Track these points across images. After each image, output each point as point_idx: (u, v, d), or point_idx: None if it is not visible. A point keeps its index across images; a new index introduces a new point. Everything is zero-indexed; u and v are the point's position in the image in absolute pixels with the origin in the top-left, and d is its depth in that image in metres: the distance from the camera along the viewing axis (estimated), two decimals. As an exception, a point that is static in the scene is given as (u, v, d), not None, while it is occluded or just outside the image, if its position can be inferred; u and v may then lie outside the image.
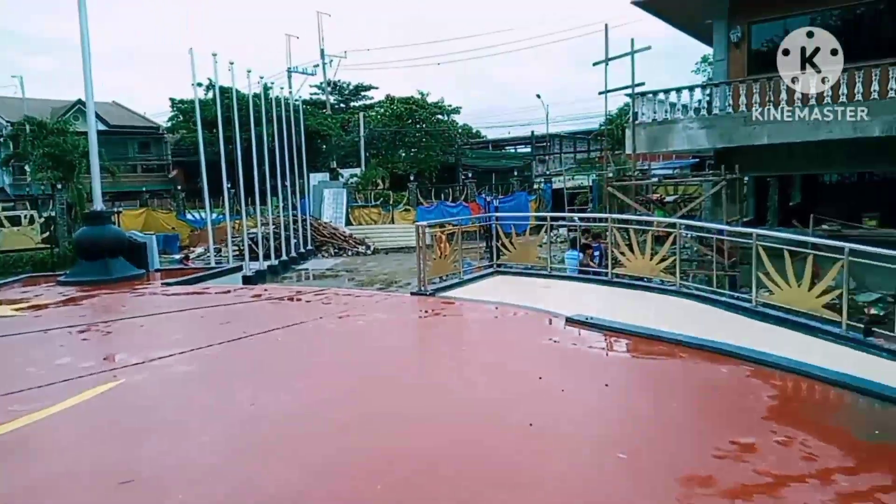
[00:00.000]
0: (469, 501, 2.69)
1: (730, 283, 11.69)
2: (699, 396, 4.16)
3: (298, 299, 8.59)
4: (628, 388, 4.41)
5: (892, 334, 5.88)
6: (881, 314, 10.93)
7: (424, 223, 9.59)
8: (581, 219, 13.72)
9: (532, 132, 45.36)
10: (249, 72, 17.02)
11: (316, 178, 33.04)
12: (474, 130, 51.00)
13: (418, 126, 40.21)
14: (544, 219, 11.65)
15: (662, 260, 8.22)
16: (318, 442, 3.41)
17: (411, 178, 35.46)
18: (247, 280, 13.39)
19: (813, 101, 12.47)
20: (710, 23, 15.21)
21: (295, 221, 25.05)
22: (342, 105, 50.18)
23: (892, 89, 11.82)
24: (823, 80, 12.36)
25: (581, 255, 12.35)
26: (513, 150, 50.67)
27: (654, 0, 15.13)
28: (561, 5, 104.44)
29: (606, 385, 4.32)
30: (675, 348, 5.12)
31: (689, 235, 12.59)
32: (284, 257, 23.65)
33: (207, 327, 6.65)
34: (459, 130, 44.38)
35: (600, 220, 11.09)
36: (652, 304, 7.68)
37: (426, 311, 7.35)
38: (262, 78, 26.29)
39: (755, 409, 3.80)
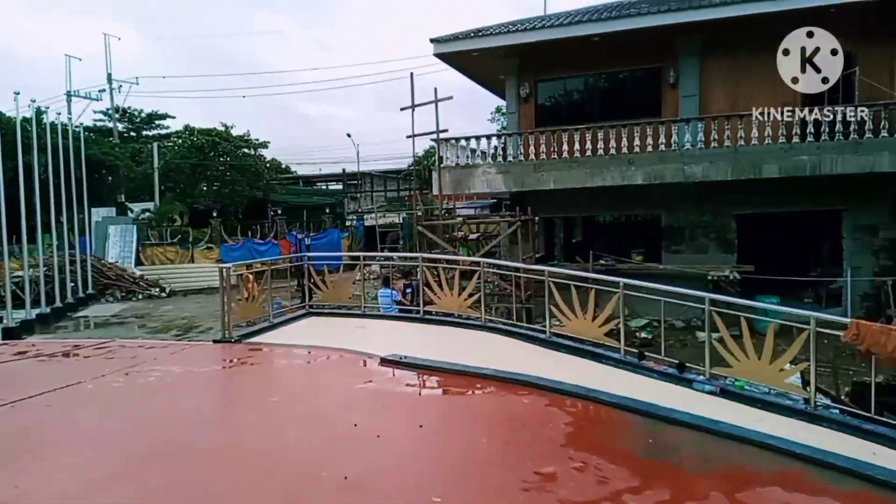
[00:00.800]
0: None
1: (527, 314, 12.71)
2: (505, 429, 4.37)
3: (75, 355, 7.48)
4: (441, 426, 4.48)
5: (659, 357, 6.78)
6: (649, 337, 12.62)
7: (229, 263, 9.01)
8: (392, 257, 13.99)
9: (343, 170, 45.52)
10: (17, 94, 14.79)
11: (100, 213, 29.56)
12: (284, 166, 49.72)
13: (222, 159, 38.09)
14: (357, 257, 11.65)
15: (469, 296, 8.63)
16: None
17: (214, 213, 33.33)
18: (8, 333, 11.39)
19: (589, 153, 14.24)
20: (503, 79, 16.72)
21: (73, 262, 22.10)
22: (132, 134, 45.84)
23: (649, 144, 13.95)
24: (596, 135, 14.21)
25: (395, 292, 12.52)
26: (324, 187, 50.28)
27: (453, 55, 16.24)
28: (370, 49, 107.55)
29: (421, 426, 4.35)
30: (482, 382, 5.36)
31: (491, 272, 13.46)
32: (58, 304, 20.67)
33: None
34: (268, 165, 42.95)
35: (411, 258, 11.38)
36: (461, 339, 7.99)
37: (231, 361, 6.84)
38: (33, 101, 23.13)
39: (554, 437, 4.09)
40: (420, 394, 5.45)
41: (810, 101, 13.88)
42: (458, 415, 4.79)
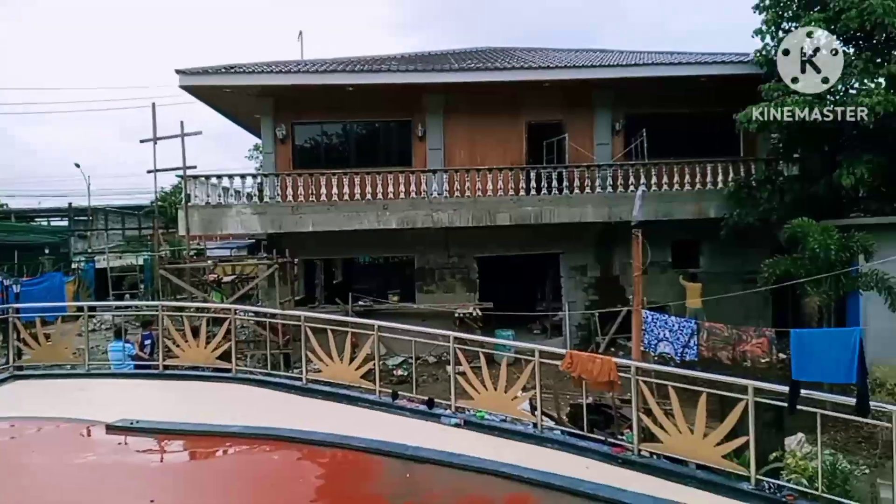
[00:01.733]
0: None
1: (285, 360, 12.32)
2: (252, 491, 4.13)
3: None
4: (176, 497, 4.06)
5: (411, 395, 7.07)
6: (406, 374, 13.12)
7: None
8: (132, 306, 12.44)
9: (70, 204, 39.52)
10: None
11: None
12: (-12, 198, 41.44)
13: None
14: (82, 307, 10.13)
15: (218, 346, 8.06)
16: None
17: None
18: None
19: (346, 197, 14.55)
20: (259, 118, 16.34)
21: None
22: None
23: (402, 191, 14.77)
24: (353, 180, 14.60)
25: (131, 345, 11.11)
26: (45, 223, 42.97)
27: (202, 89, 15.43)
28: (106, 72, 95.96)
29: (152, 502, 3.88)
30: (229, 441, 5.01)
31: (246, 317, 12.82)
32: None
33: None
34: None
35: (150, 306, 10.27)
36: (209, 395, 7.38)
37: None
38: None
39: (304, 493, 3.99)
40: (154, 463, 4.88)
41: (533, 160, 16.17)
42: (198, 482, 4.39)
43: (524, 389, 6.51)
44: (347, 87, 15.21)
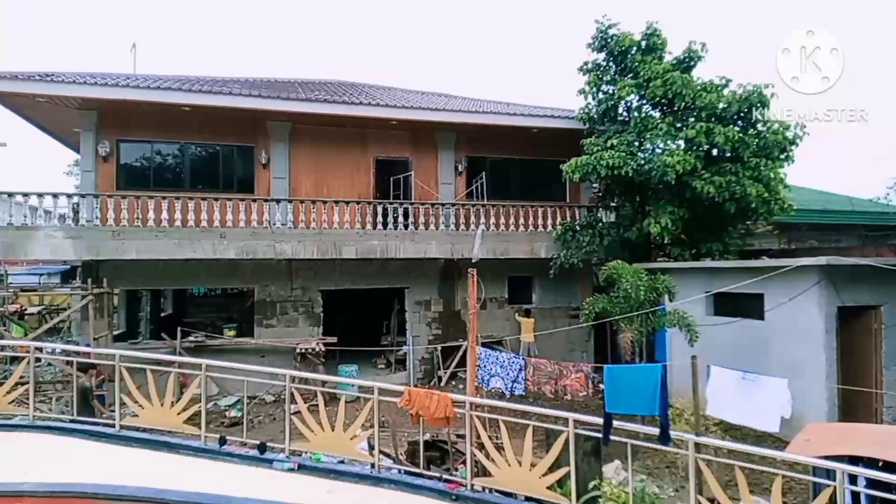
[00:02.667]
0: None
1: (101, 402, 11.01)
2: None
3: None
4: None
5: (242, 439, 6.67)
6: (239, 415, 12.33)
7: None
8: None
9: None
10: None
11: None
12: None
13: None
14: None
15: (15, 388, 7.03)
16: None
17: None
18: None
19: (178, 223, 13.55)
20: (79, 132, 14.80)
21: None
22: None
23: (242, 220, 14.10)
24: (186, 205, 13.66)
25: None
26: None
27: (13, 96, 13.67)
28: None
29: None
30: (17, 502, 4.35)
31: (55, 354, 11.33)
32: None
33: None
34: None
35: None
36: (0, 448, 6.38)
37: None
38: None
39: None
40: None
41: (380, 194, 16.35)
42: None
43: (363, 428, 6.44)
44: (183, 106, 14.34)
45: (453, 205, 15.90)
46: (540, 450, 5.89)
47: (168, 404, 6.67)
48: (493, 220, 15.62)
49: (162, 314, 19.83)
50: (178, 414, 6.59)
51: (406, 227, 15.14)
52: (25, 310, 17.04)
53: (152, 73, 17.30)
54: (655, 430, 5.37)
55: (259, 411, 12.55)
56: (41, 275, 27.40)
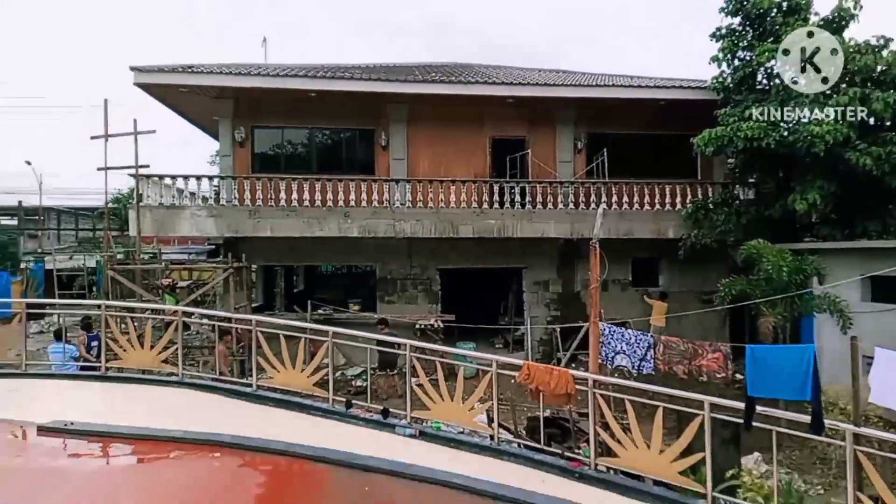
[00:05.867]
0: None
1: (240, 366, 11.91)
2: (187, 498, 3.87)
3: None
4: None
5: (365, 404, 6.88)
6: (364, 384, 12.81)
7: None
8: (73, 305, 11.90)
9: (20, 202, 37.92)
10: None
11: None
12: (-72, 193, 39.45)
13: None
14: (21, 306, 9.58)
15: (165, 349, 7.72)
16: None
17: None
18: None
19: (307, 203, 14.27)
20: (217, 120, 15.96)
21: None
22: None
23: (364, 200, 14.58)
24: (314, 186, 14.34)
25: (75, 347, 10.60)
26: (-9, 222, 41.14)
27: (158, 87, 14.98)
28: (65, 77, 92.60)
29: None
30: (168, 446, 4.72)
31: (201, 322, 12.39)
32: None
33: None
34: None
35: (92, 305, 9.78)
36: (153, 399, 7.05)
37: None
38: None
39: (242, 502, 3.75)
40: (87, 467, 4.57)
41: (497, 173, 16.20)
42: (132, 489, 4.09)
43: (481, 401, 6.39)
44: (310, 92, 14.99)
45: (572, 183, 15.41)
46: (669, 437, 5.50)
47: (299, 368, 7.01)
48: (615, 198, 14.94)
49: (294, 290, 21.11)
50: (309, 377, 6.90)
51: (523, 206, 14.90)
52: (176, 284, 18.85)
53: (281, 63, 18.27)
54: (806, 418, 4.83)
55: (382, 383, 12.94)
56: (189, 254, 30.18)
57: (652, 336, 7.86)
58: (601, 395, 5.55)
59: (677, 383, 7.06)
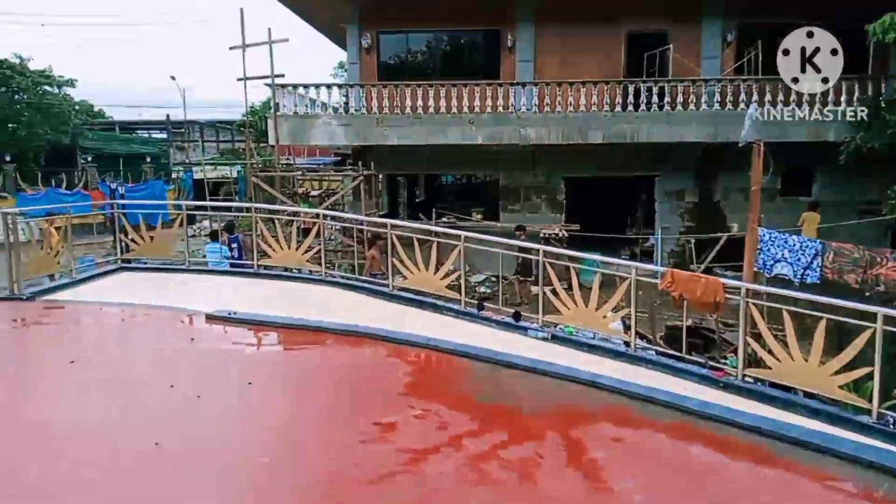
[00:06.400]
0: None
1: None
2: (342, 383, 4.14)
3: None
4: (274, 384, 4.14)
5: (497, 307, 6.95)
6: (488, 292, 13.07)
7: (14, 209, 7.67)
8: (223, 209, 12.96)
9: (168, 116, 41.31)
10: None
11: None
12: (96, 109, 43.90)
13: (17, 97, 32.59)
14: (181, 209, 10.55)
15: (308, 250, 8.20)
16: None
17: (7, 158, 28.65)
18: None
19: (431, 110, 14.16)
20: (345, 27, 15.97)
21: None
22: None
23: (489, 105, 14.21)
24: (438, 92, 14.14)
25: (226, 247, 11.63)
26: (146, 135, 45.37)
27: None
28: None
29: (250, 383, 3.98)
30: (320, 336, 5.07)
31: (333, 227, 13.02)
32: None
33: None
34: (76, 107, 37.59)
35: (245, 209, 10.55)
36: (299, 294, 7.58)
37: (20, 321, 5.81)
38: None
39: (394, 388, 3.95)
40: (250, 351, 5.03)
41: (631, 73, 15.03)
42: (292, 371, 4.46)
43: (615, 310, 6.21)
44: (434, -8, 14.51)
45: (719, 80, 13.98)
46: (825, 357, 5.06)
47: (431, 271, 7.16)
48: (768, 98, 13.40)
49: (416, 200, 21.59)
50: (441, 279, 7.05)
51: (660, 107, 13.82)
52: (309, 192, 19.89)
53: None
54: None
55: (505, 290, 13.08)
56: (318, 164, 31.63)
57: (821, 242, 7.12)
58: (754, 304, 5.17)
59: (845, 293, 6.41)
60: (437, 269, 7.15)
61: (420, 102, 14.12)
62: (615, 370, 5.24)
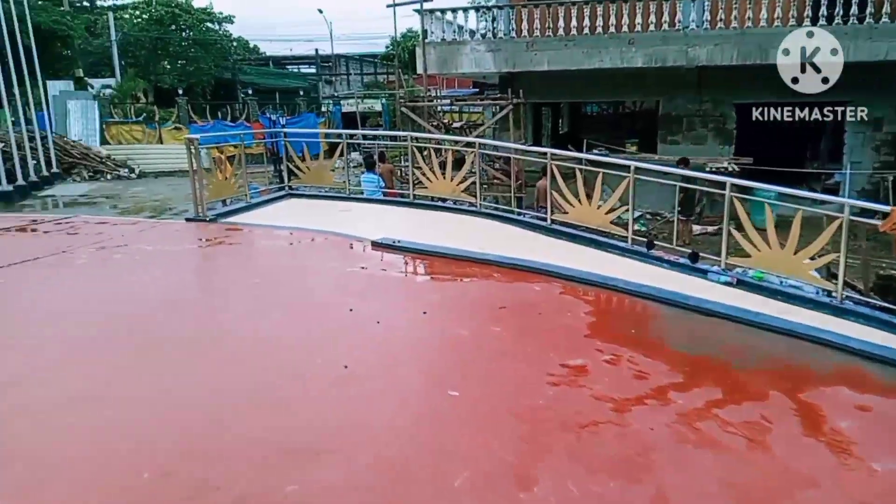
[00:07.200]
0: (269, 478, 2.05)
1: (518, 204, 12.20)
2: (518, 318, 3.94)
3: (33, 230, 6.80)
4: (447, 314, 4.03)
5: (669, 246, 6.37)
6: (643, 229, 12.26)
7: (197, 135, 8.21)
8: (376, 138, 13.15)
9: (316, 51, 42.81)
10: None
11: (56, 87, 27.40)
12: (251, 45, 46.57)
13: (185, 34, 35.30)
14: (339, 139, 10.81)
15: (463, 180, 8.03)
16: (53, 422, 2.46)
17: (180, 92, 31.36)
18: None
19: (586, 31, 13.14)
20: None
21: (32, 139, 20.70)
22: (85, 3, 41.95)
23: (652, 23, 12.90)
24: (595, 11, 13.03)
25: (379, 177, 11.83)
26: (296, 70, 47.57)
27: None
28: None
29: (424, 313, 3.90)
30: (486, 268, 4.90)
31: (485, 153, 12.78)
32: (21, 181, 19.60)
33: None
34: (234, 43, 40.10)
35: (400, 139, 10.55)
36: (456, 225, 7.47)
37: (206, 240, 6.25)
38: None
39: (575, 327, 3.68)
40: (419, 279, 4.99)
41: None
42: (463, 302, 4.33)
43: (820, 254, 5.39)
44: None
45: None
46: None
47: (594, 205, 6.69)
48: None
49: (560, 132, 20.67)
50: (606, 214, 6.58)
51: (861, 20, 11.76)
52: (452, 123, 19.73)
53: None
54: None
55: (664, 229, 12.23)
56: (458, 96, 31.32)
57: None
58: None
59: None
60: (600, 203, 6.67)
61: (574, 23, 13.15)
62: (819, 323, 4.57)
